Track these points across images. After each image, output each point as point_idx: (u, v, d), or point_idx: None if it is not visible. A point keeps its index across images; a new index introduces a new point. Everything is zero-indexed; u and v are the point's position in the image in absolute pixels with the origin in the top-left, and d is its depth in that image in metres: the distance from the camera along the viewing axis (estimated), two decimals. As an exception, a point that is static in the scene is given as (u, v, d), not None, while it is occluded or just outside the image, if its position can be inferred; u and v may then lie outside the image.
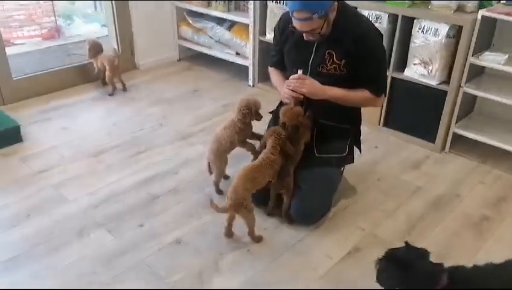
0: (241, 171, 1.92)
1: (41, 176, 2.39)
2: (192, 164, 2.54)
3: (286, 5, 2.87)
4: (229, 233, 2.00)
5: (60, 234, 2.01)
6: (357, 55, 1.94)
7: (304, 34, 1.92)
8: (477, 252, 1.94)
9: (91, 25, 4.96)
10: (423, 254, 1.47)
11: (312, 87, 1.94)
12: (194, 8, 3.67)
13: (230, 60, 3.63)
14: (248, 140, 2.22)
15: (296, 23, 1.88)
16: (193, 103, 3.27)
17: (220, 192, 2.29)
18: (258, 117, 2.15)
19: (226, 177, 2.36)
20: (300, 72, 1.96)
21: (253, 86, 3.53)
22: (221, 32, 3.59)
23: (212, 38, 3.67)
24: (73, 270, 1.82)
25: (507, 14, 2.28)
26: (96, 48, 3.27)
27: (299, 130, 1.95)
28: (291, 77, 1.97)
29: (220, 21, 3.59)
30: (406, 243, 1.49)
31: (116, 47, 3.58)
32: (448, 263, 1.86)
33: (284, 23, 2.07)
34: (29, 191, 2.27)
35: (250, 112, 2.12)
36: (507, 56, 2.37)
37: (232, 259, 1.90)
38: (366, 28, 1.97)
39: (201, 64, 3.91)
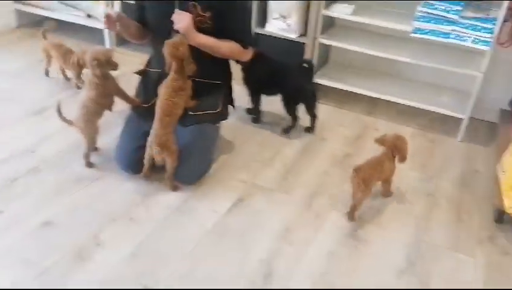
0: (156, 114, 1.89)
1: None
2: (53, 139, 2.28)
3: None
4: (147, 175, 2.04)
5: None
6: (222, 7, 1.92)
7: None
8: (344, 184, 2.14)
9: None
10: None
11: (188, 25, 1.87)
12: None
13: (81, 24, 3.30)
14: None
15: None
16: (42, 73, 2.90)
17: (90, 165, 2.11)
18: (114, 66, 1.98)
19: (97, 149, 2.18)
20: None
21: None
22: (65, -8, 3.23)
23: (55, -1, 3.28)
24: None
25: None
26: None
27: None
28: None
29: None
30: None
31: None
32: (321, 198, 2.04)
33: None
34: None
35: (100, 62, 1.93)
36: (353, 6, 2.59)
37: (114, 231, 1.79)
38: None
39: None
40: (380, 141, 2.00)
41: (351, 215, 1.93)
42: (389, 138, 1.98)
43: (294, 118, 2.48)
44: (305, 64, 2.45)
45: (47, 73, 2.87)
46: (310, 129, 2.53)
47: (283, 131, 2.50)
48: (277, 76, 2.39)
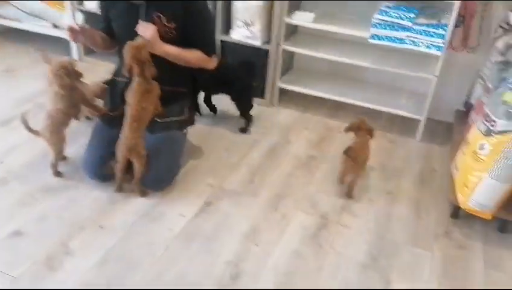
0: (125, 120, 1.91)
1: None
2: (20, 149, 2.28)
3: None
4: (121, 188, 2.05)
5: None
6: (186, 18, 1.98)
7: None
8: (308, 186, 2.23)
9: None
10: None
11: (153, 35, 1.92)
12: (-7, -24, 3.20)
13: (48, 34, 3.29)
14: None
15: None
16: (8, 84, 2.90)
17: (58, 174, 2.12)
18: (79, 76, 2.01)
19: (64, 158, 2.19)
20: None
21: (79, 60, 3.28)
22: (30, 2, 3.20)
23: (20, 10, 3.25)
24: None
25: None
26: None
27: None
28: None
29: (26, -10, 3.20)
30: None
31: None
32: (287, 200, 2.11)
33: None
34: None
35: (67, 71, 1.95)
36: (313, 14, 2.69)
37: (83, 238, 1.81)
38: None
39: (13, 41, 3.46)
40: (355, 127, 2.19)
41: (350, 193, 2.15)
42: (362, 123, 2.18)
43: (248, 117, 2.63)
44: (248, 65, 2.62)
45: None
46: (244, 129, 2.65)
47: (240, 130, 2.62)
48: (225, 77, 2.48)
